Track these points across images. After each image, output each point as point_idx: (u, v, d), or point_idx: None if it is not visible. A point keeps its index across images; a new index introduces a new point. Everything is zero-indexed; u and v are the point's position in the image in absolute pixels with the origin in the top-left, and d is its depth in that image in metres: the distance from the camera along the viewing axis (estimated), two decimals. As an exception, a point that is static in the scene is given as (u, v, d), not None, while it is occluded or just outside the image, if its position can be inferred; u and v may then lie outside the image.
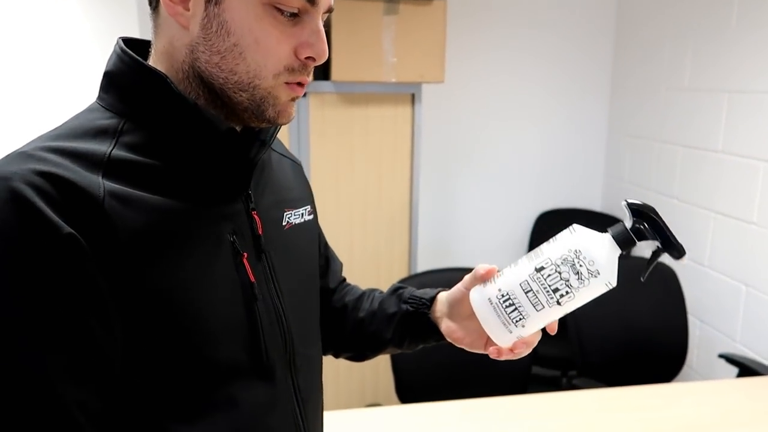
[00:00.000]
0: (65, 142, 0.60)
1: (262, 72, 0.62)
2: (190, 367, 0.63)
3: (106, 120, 0.64)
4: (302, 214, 0.80)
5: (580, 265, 0.69)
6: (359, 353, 0.95)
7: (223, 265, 0.65)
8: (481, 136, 2.73)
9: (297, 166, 0.88)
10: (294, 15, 0.62)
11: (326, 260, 0.95)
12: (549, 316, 0.71)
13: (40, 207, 0.53)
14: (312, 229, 0.84)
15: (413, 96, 2.12)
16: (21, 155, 0.57)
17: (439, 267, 2.04)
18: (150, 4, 0.65)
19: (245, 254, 0.67)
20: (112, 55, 0.66)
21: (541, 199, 2.84)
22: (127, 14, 2.46)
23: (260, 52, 0.62)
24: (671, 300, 2.09)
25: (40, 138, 0.61)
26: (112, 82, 0.66)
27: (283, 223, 0.76)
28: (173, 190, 0.63)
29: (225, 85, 0.63)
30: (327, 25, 1.99)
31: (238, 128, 0.68)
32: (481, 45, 2.63)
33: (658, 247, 0.70)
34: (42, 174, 0.54)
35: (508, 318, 0.71)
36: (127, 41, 0.68)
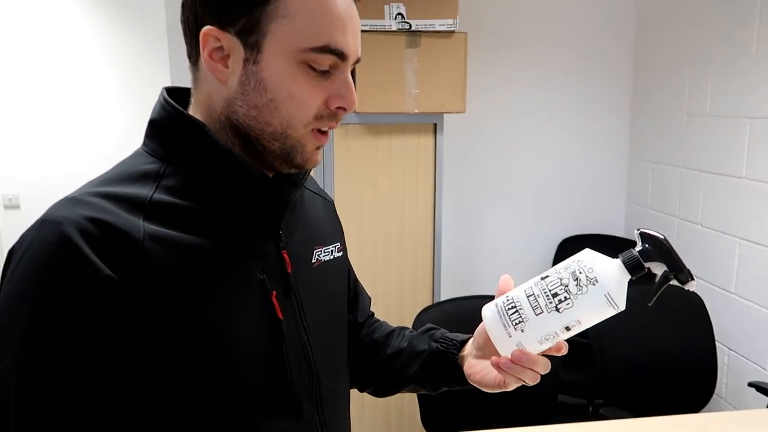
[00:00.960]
0: (111, 187, 0.65)
1: (294, 123, 0.66)
2: (218, 400, 0.66)
3: (149, 165, 0.68)
4: (332, 251, 0.83)
5: (580, 272, 0.70)
6: (382, 389, 0.96)
7: (252, 303, 0.68)
8: (502, 163, 2.75)
9: (328, 204, 0.91)
10: (325, 71, 0.66)
11: (355, 295, 0.96)
12: (548, 324, 0.71)
13: (84, 250, 0.58)
14: (341, 265, 0.86)
15: (435, 126, 2.16)
16: (72, 200, 0.63)
17: (462, 295, 2.05)
18: (190, 58, 0.70)
19: (274, 292, 0.70)
20: (156, 104, 0.71)
21: (563, 225, 2.84)
22: (162, 64, 2.54)
23: (294, 105, 0.66)
24: (698, 327, 2.06)
25: (90, 183, 0.66)
26: (155, 129, 0.71)
27: (313, 261, 0.79)
28: (208, 230, 0.67)
29: (260, 136, 0.67)
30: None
31: (269, 173, 0.72)
32: (501, 74, 2.67)
33: (665, 271, 0.71)
34: (89, 219, 0.60)
35: (508, 320, 0.72)
36: (170, 90, 0.72)
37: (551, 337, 0.72)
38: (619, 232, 2.89)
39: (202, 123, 0.68)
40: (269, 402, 0.70)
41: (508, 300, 0.74)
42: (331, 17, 0.64)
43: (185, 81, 0.74)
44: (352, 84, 0.68)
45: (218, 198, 0.68)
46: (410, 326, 1.03)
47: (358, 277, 1.00)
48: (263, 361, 0.69)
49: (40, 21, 3.22)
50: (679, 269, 0.71)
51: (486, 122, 2.69)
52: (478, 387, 0.81)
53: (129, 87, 3.31)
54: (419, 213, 2.20)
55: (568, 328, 0.72)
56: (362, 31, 2.16)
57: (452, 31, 2.02)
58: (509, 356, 0.72)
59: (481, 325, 0.81)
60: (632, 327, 1.99)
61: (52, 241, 0.59)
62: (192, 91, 0.72)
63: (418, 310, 1.90)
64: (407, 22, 1.98)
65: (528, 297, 0.72)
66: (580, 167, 2.83)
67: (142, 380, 0.62)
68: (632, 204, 2.85)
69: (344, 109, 0.68)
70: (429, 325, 0.94)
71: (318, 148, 0.70)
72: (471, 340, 0.85)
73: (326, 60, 0.65)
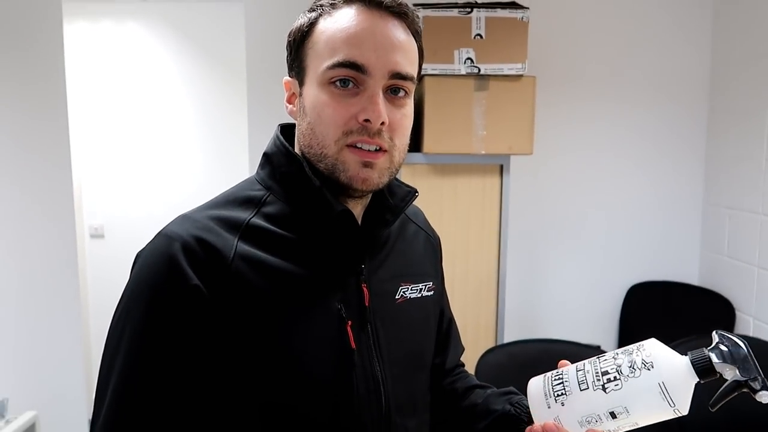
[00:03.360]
0: (218, 209, 0.73)
1: (325, 141, 0.71)
2: (284, 419, 0.69)
3: (255, 191, 0.76)
4: (421, 289, 0.84)
5: (636, 355, 0.65)
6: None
7: (327, 330, 0.71)
8: (569, 206, 2.72)
9: (432, 240, 0.93)
10: (351, 86, 0.70)
11: (446, 338, 0.96)
12: (591, 403, 0.65)
13: (180, 261, 0.67)
14: (429, 304, 0.86)
15: (501, 167, 2.17)
16: (185, 218, 0.72)
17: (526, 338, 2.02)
18: None
19: (350, 322, 0.72)
20: (271, 138, 0.80)
21: (633, 270, 2.76)
22: (241, 113, 2.69)
23: (323, 124, 0.71)
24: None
25: (205, 204, 0.76)
26: (267, 160, 0.78)
27: (396, 297, 0.80)
28: (295, 257, 0.72)
29: (312, 160, 0.73)
30: (419, 101, 2.10)
31: (360, 206, 0.77)
32: (570, 116, 2.66)
33: (737, 376, 0.64)
34: (193, 236, 0.68)
35: (551, 389, 0.69)
36: (285, 126, 0.81)
37: (593, 420, 0.66)
38: (693, 281, 2.78)
39: (301, 158, 0.75)
40: (333, 429, 0.71)
41: (557, 372, 0.71)
42: (345, 35, 0.70)
43: (262, 126, 0.85)
44: (379, 96, 0.70)
45: (307, 228, 0.74)
46: (474, 369, 1.01)
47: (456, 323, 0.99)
48: (332, 387, 0.71)
49: (132, 66, 3.47)
50: (753, 375, 0.64)
51: (554, 164, 2.67)
52: None
53: (210, 131, 3.51)
54: (484, 254, 2.19)
55: (613, 415, 0.65)
56: (432, 75, 2.22)
57: (521, 75, 2.05)
58: (541, 422, 0.70)
59: None
60: (710, 383, 1.89)
61: (160, 253, 0.69)
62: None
63: (481, 353, 1.88)
64: (476, 67, 2.02)
65: (577, 371, 0.68)
66: (651, 211, 2.76)
67: (214, 389, 0.67)
68: (707, 251, 2.74)
69: (370, 122, 0.70)
70: (511, 388, 0.93)
71: (366, 166, 0.71)
72: None
73: (341, 72, 0.70)
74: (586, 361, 0.70)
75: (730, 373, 0.64)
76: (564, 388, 0.67)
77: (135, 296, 0.70)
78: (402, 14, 0.73)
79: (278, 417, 0.69)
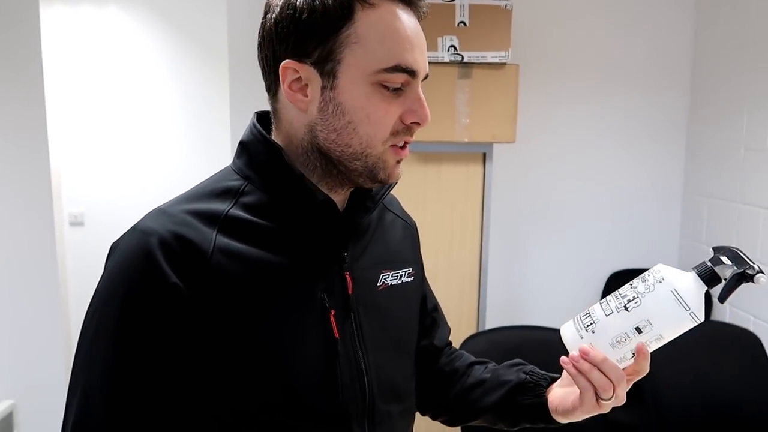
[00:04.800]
0: (195, 203, 0.71)
1: (373, 141, 0.70)
2: (268, 411, 0.69)
3: (232, 182, 0.74)
4: (401, 275, 0.84)
5: (649, 275, 0.73)
6: (456, 418, 0.95)
7: (311, 320, 0.71)
8: (551, 194, 2.74)
9: (410, 228, 0.93)
10: (398, 89, 0.69)
11: (433, 321, 0.97)
12: (618, 325, 0.72)
13: (157, 259, 0.65)
14: (410, 290, 0.86)
15: (485, 155, 2.17)
16: (161, 212, 0.70)
17: (508, 325, 2.03)
18: (269, 91, 0.75)
19: (333, 311, 0.72)
20: (247, 126, 0.77)
21: (613, 258, 2.79)
22: (222, 99, 2.66)
23: (371, 125, 0.69)
24: (756, 369, 1.98)
25: (180, 197, 0.73)
26: (243, 149, 0.76)
27: (378, 284, 0.80)
28: (277, 247, 0.70)
29: (342, 157, 0.71)
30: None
31: (341, 195, 0.76)
32: (552, 105, 2.67)
33: (734, 270, 0.71)
34: (170, 232, 0.66)
35: (581, 323, 0.75)
36: (261, 114, 0.78)
37: (623, 339, 0.72)
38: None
39: (280, 146, 0.73)
40: (318, 418, 0.71)
41: (585, 311, 0.77)
42: (399, 38, 0.68)
43: (244, 111, 0.81)
44: (424, 99, 0.71)
45: (289, 218, 0.73)
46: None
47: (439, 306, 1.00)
48: (316, 377, 0.71)
49: (114, 51, 3.42)
50: (748, 266, 0.71)
51: (536, 153, 2.69)
52: (556, 417, 0.81)
53: (193, 118, 3.47)
54: (467, 241, 2.20)
55: (639, 330, 0.71)
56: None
57: (504, 63, 2.05)
58: (573, 353, 0.74)
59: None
60: (686, 369, 1.92)
61: (136, 249, 0.67)
62: (272, 119, 0.77)
63: (463, 339, 1.90)
64: (460, 54, 2.02)
65: (601, 304, 0.75)
66: (632, 200, 2.79)
67: (198, 385, 0.67)
68: (686, 239, 2.78)
69: (418, 124, 0.71)
70: (518, 360, 0.93)
71: (398, 162, 0.73)
72: (559, 380, 0.85)
73: (398, 78, 0.68)
74: (608, 297, 0.75)
75: (730, 271, 0.71)
76: (592, 319, 0.74)
77: (109, 295, 0.68)
78: (423, 12, 0.72)
79: (261, 409, 0.69)
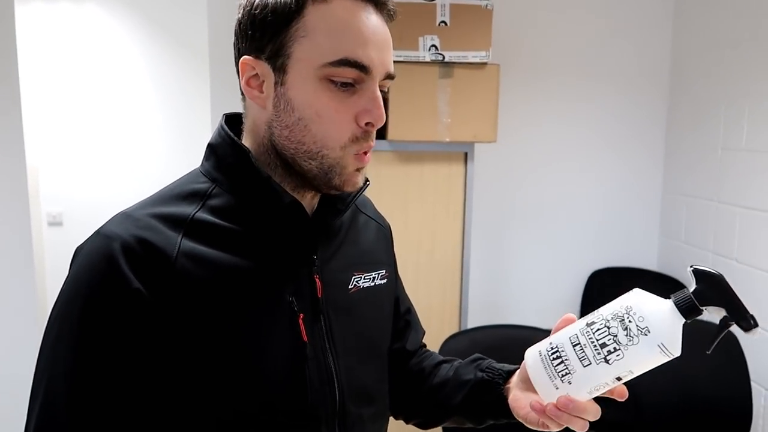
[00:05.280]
0: (160, 206, 0.70)
1: (329, 142, 0.68)
2: (237, 417, 0.68)
3: (199, 184, 0.73)
4: (374, 278, 0.83)
5: (630, 321, 0.66)
6: (428, 420, 0.94)
7: (279, 324, 0.70)
8: (532, 193, 2.75)
9: (383, 229, 0.91)
10: (349, 85, 0.67)
11: (406, 324, 0.96)
12: (597, 376, 0.67)
13: (120, 264, 0.64)
14: (383, 292, 0.85)
15: (466, 154, 2.18)
16: (125, 216, 0.68)
17: (490, 323, 2.04)
18: (242, 94, 0.74)
19: (301, 315, 0.71)
20: (215, 128, 0.76)
21: (594, 257, 2.81)
22: (204, 95, 2.63)
23: (323, 124, 0.67)
24: (733, 366, 2.01)
25: (145, 200, 0.72)
26: (212, 152, 0.75)
27: (350, 287, 0.79)
28: (243, 251, 0.69)
29: (295, 155, 0.70)
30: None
31: (310, 197, 0.74)
32: (533, 105, 2.69)
33: (725, 316, 0.67)
34: (133, 236, 0.65)
35: (554, 371, 0.69)
36: (232, 116, 0.77)
37: (601, 387, 0.68)
38: (652, 266, 2.85)
39: (247, 149, 0.72)
40: (287, 422, 0.71)
41: (552, 349, 0.70)
42: (349, 31, 0.66)
43: (225, 109, 0.79)
44: (380, 98, 0.69)
45: (257, 221, 0.72)
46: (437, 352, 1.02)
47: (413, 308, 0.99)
48: (285, 381, 0.70)
49: (92, 48, 3.37)
50: (740, 315, 0.66)
51: (517, 152, 2.70)
52: (522, 422, 0.78)
53: (173, 116, 3.44)
54: (449, 241, 2.21)
55: (619, 378, 0.68)
56: (397, 61, 2.20)
57: (485, 63, 2.05)
58: (551, 403, 0.69)
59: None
60: (665, 366, 1.94)
61: (98, 253, 0.65)
62: (243, 119, 0.76)
63: (445, 337, 1.90)
64: (441, 54, 2.02)
65: (574, 347, 0.68)
66: (612, 199, 2.81)
67: (164, 391, 0.66)
68: (665, 238, 2.81)
69: (373, 125, 0.69)
70: (477, 355, 0.92)
71: (358, 170, 0.71)
72: (518, 372, 0.82)
73: (346, 73, 0.66)
74: (578, 333, 0.69)
75: (717, 311, 0.67)
76: (567, 368, 0.68)
77: (71, 298, 0.67)
78: (387, 9, 0.71)
79: (230, 415, 0.68)
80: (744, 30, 2.27)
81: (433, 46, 2.01)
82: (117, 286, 0.64)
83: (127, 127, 3.43)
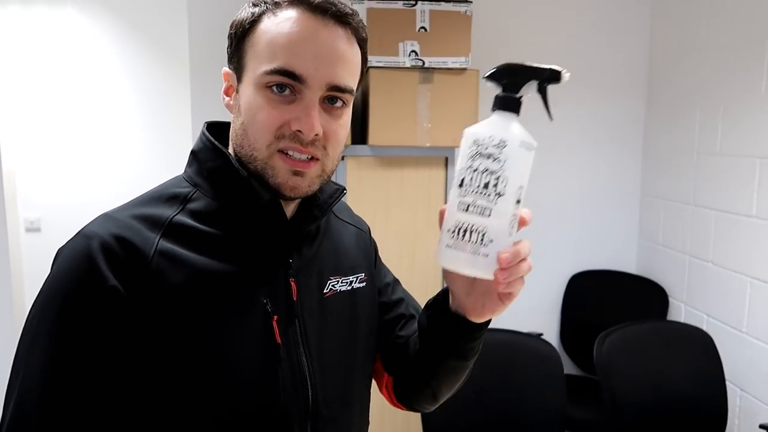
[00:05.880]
0: (141, 208, 0.71)
1: (257, 144, 0.70)
2: (209, 418, 0.69)
3: (180, 188, 0.74)
4: (351, 281, 0.84)
5: (485, 149, 0.65)
6: (415, 391, 0.89)
7: (254, 326, 0.71)
8: (513, 197, 2.77)
9: (362, 234, 0.92)
10: (286, 92, 0.69)
11: (410, 317, 0.92)
12: (504, 213, 0.65)
13: (98, 262, 0.65)
14: (362, 296, 0.85)
15: (446, 159, 2.19)
16: (106, 217, 0.70)
17: (471, 327, 2.05)
18: None
19: (275, 317, 0.72)
20: (198, 136, 0.78)
21: (574, 260, 2.85)
22: (184, 100, 2.62)
23: (256, 126, 0.70)
24: (709, 367, 2.05)
25: (128, 202, 0.74)
26: (194, 158, 0.77)
27: (325, 291, 0.80)
28: (220, 253, 0.71)
29: (242, 159, 0.73)
30: (365, 93, 2.09)
31: (285, 204, 0.75)
32: (513, 110, 2.71)
33: (536, 83, 0.70)
34: (113, 235, 0.67)
35: (471, 245, 0.65)
36: (215, 124, 0.80)
37: (513, 222, 0.67)
38: (631, 269, 2.89)
39: (227, 151, 0.74)
40: (260, 424, 0.71)
41: (451, 231, 0.66)
42: (287, 41, 0.69)
43: (205, 113, 0.81)
44: (314, 109, 0.69)
45: (235, 224, 0.73)
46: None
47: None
48: (258, 383, 0.71)
49: (71, 52, 3.34)
50: (546, 74, 0.70)
51: (498, 157, 2.72)
52: (483, 317, 0.75)
53: (153, 120, 3.41)
54: (430, 244, 2.22)
55: (518, 201, 0.67)
56: (377, 67, 2.23)
57: (464, 68, 2.07)
58: (492, 274, 0.66)
59: (453, 280, 0.74)
60: (642, 366, 1.97)
61: (77, 252, 0.67)
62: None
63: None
64: (420, 59, 2.03)
65: (467, 212, 0.65)
66: (592, 203, 2.85)
67: (138, 389, 0.66)
68: (644, 240, 2.85)
69: (302, 133, 0.69)
70: (426, 303, 0.86)
71: (296, 174, 0.71)
72: (451, 298, 0.77)
73: (281, 80, 0.69)
74: (458, 200, 0.66)
75: (530, 87, 0.71)
76: (478, 232, 0.66)
77: (50, 297, 0.68)
78: (347, 23, 0.71)
79: (202, 416, 0.68)
80: (718, 36, 2.31)
81: (413, 51, 2.03)
82: (94, 284, 0.65)
83: (105, 132, 3.40)
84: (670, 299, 2.62)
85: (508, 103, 0.68)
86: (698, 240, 2.44)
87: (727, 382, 2.04)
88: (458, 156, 0.68)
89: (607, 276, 2.85)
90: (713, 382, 2.03)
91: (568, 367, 2.69)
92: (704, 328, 2.23)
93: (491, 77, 0.70)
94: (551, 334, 2.84)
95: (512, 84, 0.70)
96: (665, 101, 2.68)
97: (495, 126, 0.67)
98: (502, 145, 0.65)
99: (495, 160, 0.65)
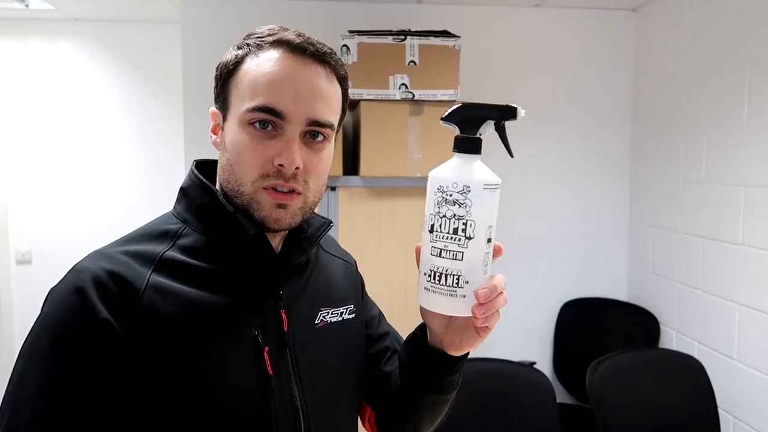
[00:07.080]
0: (132, 245, 0.73)
1: (242, 179, 0.73)
2: None
3: (171, 225, 0.76)
4: (341, 312, 0.85)
5: (449, 195, 0.67)
6: (406, 415, 0.89)
7: (245, 357, 0.72)
8: (503, 228, 2.77)
9: (349, 266, 0.94)
10: (269, 128, 0.72)
11: (393, 351, 0.94)
12: (477, 255, 0.68)
13: (90, 296, 0.66)
14: (352, 327, 0.87)
15: (437, 189, 2.22)
16: (99, 254, 0.72)
17: (463, 357, 2.05)
18: None
19: (267, 348, 0.73)
20: (187, 173, 0.81)
21: (565, 288, 2.86)
22: (177, 134, 2.64)
23: (241, 163, 0.73)
24: (701, 394, 2.05)
25: (119, 239, 0.75)
26: (184, 195, 0.79)
27: (316, 322, 0.81)
28: (212, 286, 0.72)
29: (228, 194, 0.75)
30: (356, 125, 2.13)
31: (272, 237, 0.77)
32: (501, 143, 2.75)
33: (494, 122, 0.71)
34: (105, 271, 0.68)
35: (447, 288, 0.68)
36: (204, 162, 0.83)
37: (486, 260, 0.69)
38: (621, 296, 2.90)
39: (214, 188, 0.76)
40: None
41: (427, 273, 0.69)
42: (268, 80, 0.72)
43: (198, 150, 0.84)
44: (294, 143, 0.72)
45: (225, 258, 0.75)
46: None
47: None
48: (250, 414, 0.72)
49: (64, 85, 3.37)
50: (502, 112, 0.70)
51: (488, 186, 2.75)
52: (461, 350, 0.77)
53: (146, 153, 3.43)
54: (421, 274, 2.23)
55: (489, 240, 0.69)
56: (368, 100, 2.27)
57: (453, 101, 2.12)
58: (468, 312, 0.69)
59: (431, 317, 0.77)
60: (633, 394, 1.98)
61: (70, 286, 0.68)
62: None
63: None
64: (411, 92, 2.08)
65: (441, 257, 0.68)
66: (582, 232, 2.88)
67: (130, 422, 0.67)
68: (634, 268, 2.88)
69: (284, 167, 0.71)
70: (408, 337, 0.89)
71: (279, 207, 0.73)
72: (429, 334, 0.80)
73: (262, 117, 0.71)
74: (430, 245, 0.68)
75: (487, 126, 0.70)
76: (453, 275, 0.68)
77: (42, 330, 0.68)
78: (325, 62, 0.75)
79: None
80: (700, 68, 2.38)
81: (403, 84, 2.07)
82: (86, 317, 0.66)
83: (97, 165, 3.41)
84: (662, 326, 2.64)
85: (468, 145, 0.70)
86: (687, 267, 2.46)
87: (720, 410, 2.04)
88: (426, 199, 0.70)
89: (598, 304, 2.86)
90: (706, 410, 2.04)
91: (561, 396, 2.69)
92: (695, 355, 2.24)
93: (447, 119, 0.72)
94: (544, 362, 2.84)
95: (469, 125, 0.71)
96: (650, 132, 2.73)
97: (457, 170, 0.69)
98: (466, 190, 0.67)
99: (461, 206, 0.67)
